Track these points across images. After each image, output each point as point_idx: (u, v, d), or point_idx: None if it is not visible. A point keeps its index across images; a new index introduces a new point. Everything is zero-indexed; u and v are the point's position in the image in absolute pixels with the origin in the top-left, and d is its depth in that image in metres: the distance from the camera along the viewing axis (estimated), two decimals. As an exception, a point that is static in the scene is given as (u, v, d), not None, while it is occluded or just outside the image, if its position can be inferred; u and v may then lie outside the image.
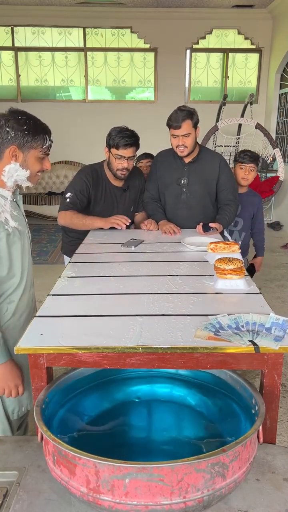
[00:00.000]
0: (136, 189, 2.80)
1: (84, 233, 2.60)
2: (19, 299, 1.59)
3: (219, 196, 2.76)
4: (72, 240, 2.67)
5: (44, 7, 7.46)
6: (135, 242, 2.39)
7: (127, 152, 2.47)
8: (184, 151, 2.59)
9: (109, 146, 2.51)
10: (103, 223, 2.55)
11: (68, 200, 2.56)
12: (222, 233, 2.69)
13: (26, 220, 1.65)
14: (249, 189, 2.97)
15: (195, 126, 2.55)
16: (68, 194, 2.57)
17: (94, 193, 2.62)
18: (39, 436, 1.11)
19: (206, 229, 2.53)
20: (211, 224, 2.54)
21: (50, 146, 1.55)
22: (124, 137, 2.43)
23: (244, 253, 2.97)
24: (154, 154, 2.95)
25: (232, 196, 2.74)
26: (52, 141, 1.55)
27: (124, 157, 2.48)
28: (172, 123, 2.52)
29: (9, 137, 1.44)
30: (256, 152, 6.90)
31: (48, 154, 1.56)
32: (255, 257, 3.08)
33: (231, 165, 3.03)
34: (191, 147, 2.59)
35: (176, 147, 2.59)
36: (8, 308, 1.57)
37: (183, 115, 2.50)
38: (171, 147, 2.67)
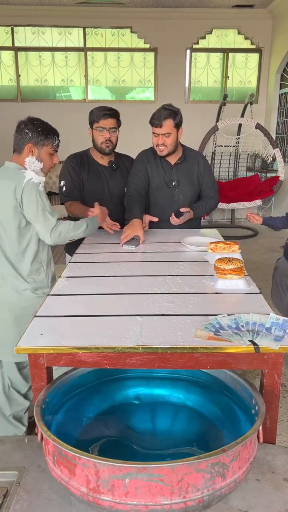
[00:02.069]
0: (126, 169, 2.80)
1: None
2: (51, 256, 2.10)
3: (202, 194, 2.78)
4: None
5: (44, 7, 7.46)
6: (135, 242, 2.38)
7: (107, 122, 2.54)
8: (164, 151, 2.57)
9: (91, 123, 2.59)
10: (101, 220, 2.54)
11: (64, 189, 2.62)
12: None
13: None
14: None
15: (177, 126, 2.52)
16: (62, 183, 2.64)
17: (83, 173, 2.66)
18: (39, 436, 1.11)
19: (179, 215, 2.56)
20: (182, 209, 2.57)
21: (58, 144, 2.00)
22: (103, 110, 2.55)
23: None
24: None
25: (213, 192, 2.78)
26: (59, 141, 2.00)
27: (105, 128, 2.55)
28: (154, 121, 2.50)
29: (27, 137, 1.90)
30: (256, 152, 6.90)
31: (56, 151, 2.01)
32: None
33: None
34: (171, 147, 2.56)
35: (156, 145, 2.57)
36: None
37: (165, 114, 2.47)
38: (151, 146, 2.65)
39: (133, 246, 2.34)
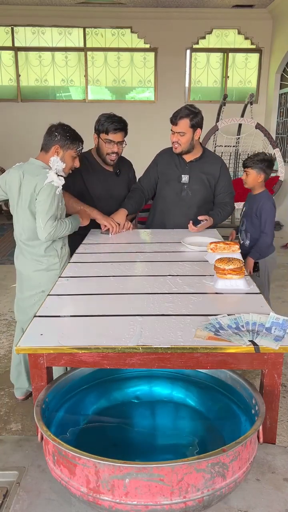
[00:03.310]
0: (127, 175, 2.84)
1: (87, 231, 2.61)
2: (66, 242, 2.28)
3: (216, 198, 2.78)
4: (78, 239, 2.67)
5: (44, 7, 7.46)
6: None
7: (117, 136, 2.53)
8: (178, 148, 2.60)
9: (98, 131, 2.57)
10: (100, 216, 2.55)
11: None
12: (237, 233, 2.69)
13: None
14: (264, 191, 2.85)
15: (193, 127, 2.53)
16: None
17: (88, 177, 2.65)
18: (39, 436, 1.11)
19: (197, 223, 2.57)
20: (200, 217, 2.56)
21: (81, 150, 2.22)
22: (114, 122, 2.51)
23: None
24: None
25: (229, 198, 2.77)
26: (83, 147, 2.23)
27: (114, 141, 2.54)
28: (172, 118, 2.55)
29: (56, 139, 2.12)
30: (256, 152, 6.89)
31: (79, 156, 2.22)
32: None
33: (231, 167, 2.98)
34: (185, 146, 2.59)
35: (172, 142, 2.61)
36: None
37: (183, 113, 2.50)
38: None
39: (110, 234, 2.54)
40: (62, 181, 2.08)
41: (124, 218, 2.63)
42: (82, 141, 2.20)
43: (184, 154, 2.65)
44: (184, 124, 2.51)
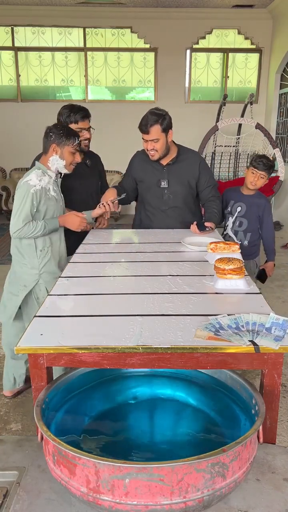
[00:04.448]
0: (97, 167, 2.87)
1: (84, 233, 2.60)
2: (50, 244, 2.27)
3: (201, 195, 2.77)
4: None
5: (44, 7, 7.46)
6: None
7: (85, 123, 2.60)
8: (155, 155, 2.58)
9: (66, 123, 2.59)
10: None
11: None
12: (224, 232, 2.68)
13: (62, 195, 2.37)
14: (257, 192, 2.93)
15: (165, 131, 2.50)
16: None
17: None
18: (39, 436, 1.11)
19: (202, 228, 2.55)
20: (206, 223, 2.55)
21: (79, 144, 2.27)
22: (79, 111, 2.59)
23: (253, 254, 2.94)
24: None
25: (214, 191, 2.76)
26: (80, 142, 2.28)
27: (84, 128, 2.60)
28: (141, 127, 2.51)
29: (51, 139, 2.20)
30: (256, 152, 6.90)
31: (78, 151, 2.28)
32: (266, 262, 3.04)
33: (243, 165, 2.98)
34: (162, 151, 2.56)
35: (147, 150, 2.59)
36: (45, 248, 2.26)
37: (152, 120, 2.46)
38: None
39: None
40: (41, 183, 2.14)
41: (115, 194, 2.64)
42: (77, 136, 2.26)
43: (161, 159, 2.62)
44: (156, 130, 2.47)
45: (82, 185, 2.72)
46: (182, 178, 2.67)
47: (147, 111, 2.53)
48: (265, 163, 2.80)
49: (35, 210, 2.15)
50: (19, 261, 2.24)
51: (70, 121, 2.57)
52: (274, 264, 3.01)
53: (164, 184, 2.66)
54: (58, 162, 2.22)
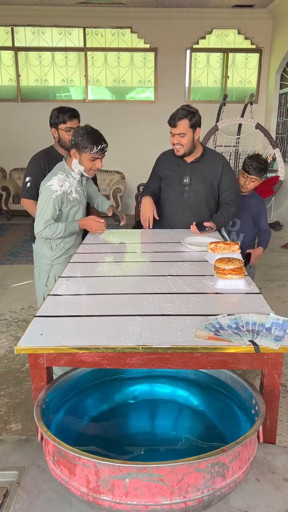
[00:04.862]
0: None
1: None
2: (71, 244, 2.44)
3: (221, 197, 2.77)
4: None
5: (44, 7, 7.46)
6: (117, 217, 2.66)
7: (73, 123, 2.64)
8: (180, 150, 2.60)
9: (56, 124, 2.66)
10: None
11: (28, 185, 2.67)
12: (219, 232, 2.68)
13: (85, 194, 2.51)
14: (252, 192, 2.95)
15: (192, 127, 2.54)
16: (28, 178, 2.69)
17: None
18: (39, 436, 1.11)
19: (201, 228, 2.54)
20: (205, 223, 2.55)
21: (100, 151, 2.26)
22: (67, 112, 2.64)
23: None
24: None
25: (234, 196, 2.74)
26: (101, 149, 2.26)
27: (73, 128, 2.61)
28: (170, 120, 2.56)
29: (73, 143, 2.27)
30: (256, 152, 6.89)
31: (99, 158, 2.29)
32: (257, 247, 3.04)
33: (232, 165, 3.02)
34: (187, 146, 2.59)
35: (173, 144, 2.62)
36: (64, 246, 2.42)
37: (181, 114, 2.51)
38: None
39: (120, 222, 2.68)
40: (63, 188, 2.27)
41: (153, 205, 2.73)
42: (97, 144, 2.24)
43: (186, 155, 2.64)
44: (184, 124, 2.51)
45: None
46: (204, 177, 2.68)
47: (179, 107, 2.57)
48: (255, 167, 2.80)
49: (56, 214, 2.30)
50: (39, 247, 2.42)
51: (59, 121, 2.63)
52: (248, 254, 2.99)
53: (186, 181, 2.68)
54: (79, 166, 2.29)
